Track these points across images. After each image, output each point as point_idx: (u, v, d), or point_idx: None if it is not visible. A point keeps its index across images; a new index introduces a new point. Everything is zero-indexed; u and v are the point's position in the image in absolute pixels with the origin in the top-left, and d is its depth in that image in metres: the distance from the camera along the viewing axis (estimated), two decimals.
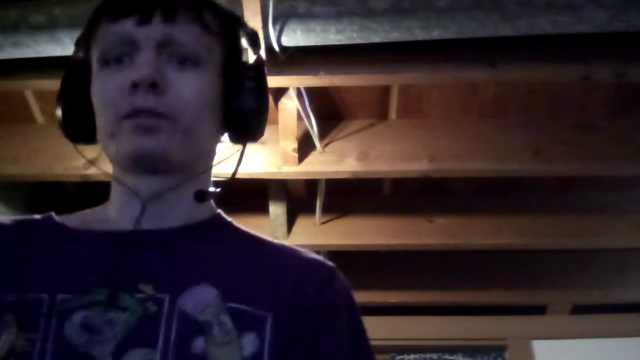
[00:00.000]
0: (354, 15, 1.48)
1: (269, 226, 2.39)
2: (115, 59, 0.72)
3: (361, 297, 0.77)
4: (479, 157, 2.04)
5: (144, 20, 0.72)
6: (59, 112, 0.76)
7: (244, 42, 0.83)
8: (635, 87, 1.96)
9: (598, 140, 2.04)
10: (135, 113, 0.69)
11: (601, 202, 2.42)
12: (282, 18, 1.50)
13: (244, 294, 0.69)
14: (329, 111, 2.12)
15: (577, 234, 2.40)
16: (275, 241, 0.80)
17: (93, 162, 0.87)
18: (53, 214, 0.77)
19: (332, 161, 2.08)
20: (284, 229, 2.44)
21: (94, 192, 1.05)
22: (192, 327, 0.65)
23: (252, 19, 1.45)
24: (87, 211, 0.79)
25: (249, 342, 0.66)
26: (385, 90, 2.06)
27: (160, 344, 0.63)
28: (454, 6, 1.45)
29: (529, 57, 1.69)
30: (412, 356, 2.64)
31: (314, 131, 2.01)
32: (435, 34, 1.51)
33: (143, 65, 0.70)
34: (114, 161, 0.75)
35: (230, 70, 0.78)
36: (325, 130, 2.10)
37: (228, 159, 0.84)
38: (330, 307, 0.72)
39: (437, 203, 2.46)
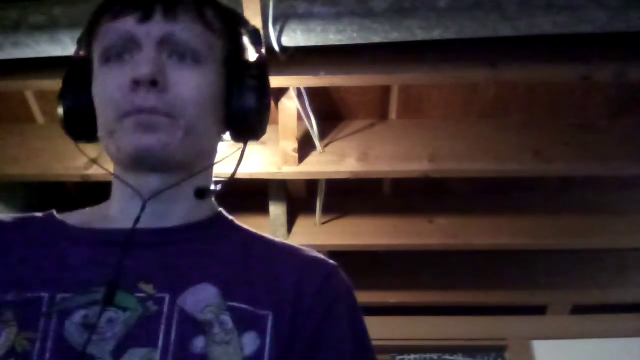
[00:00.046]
0: (354, 15, 1.48)
1: (269, 226, 2.39)
2: (116, 57, 0.72)
3: (361, 297, 0.77)
4: (479, 157, 2.04)
5: (145, 17, 0.72)
6: (60, 111, 0.76)
7: (245, 40, 0.83)
8: (635, 87, 1.96)
9: (598, 140, 2.04)
10: (135, 111, 0.69)
11: (601, 202, 2.42)
12: (282, 18, 1.50)
13: (244, 293, 0.69)
14: (329, 111, 2.12)
15: (577, 234, 2.40)
16: (277, 239, 0.80)
17: (94, 160, 0.87)
18: (54, 211, 0.77)
19: (332, 161, 2.08)
20: (284, 229, 2.44)
21: (94, 192, 1.05)
22: (192, 326, 0.65)
23: (252, 19, 1.45)
24: (88, 209, 0.79)
25: (250, 341, 0.66)
26: (385, 90, 2.06)
27: (160, 343, 0.63)
28: (454, 6, 1.45)
29: (529, 57, 1.69)
30: (412, 356, 2.64)
31: (314, 131, 2.01)
32: (435, 34, 1.51)
33: (143, 63, 0.70)
34: (115, 159, 0.75)
35: (232, 68, 0.78)
36: (325, 130, 2.10)
37: (228, 158, 0.83)
38: (331, 306, 0.72)
39: (437, 203, 2.46)
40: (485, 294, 2.83)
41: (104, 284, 0.66)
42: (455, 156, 2.04)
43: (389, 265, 2.81)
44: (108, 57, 0.72)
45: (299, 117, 1.95)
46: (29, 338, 0.63)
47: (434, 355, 2.64)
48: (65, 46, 1.56)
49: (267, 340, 0.66)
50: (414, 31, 1.50)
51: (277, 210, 2.39)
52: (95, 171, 2.05)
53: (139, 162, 0.71)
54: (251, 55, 0.82)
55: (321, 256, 0.78)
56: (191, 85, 0.72)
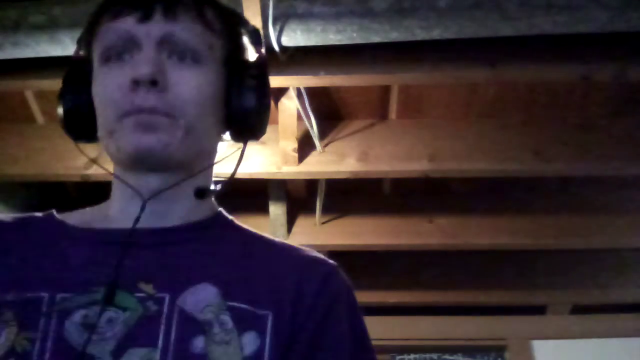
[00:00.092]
0: (354, 15, 1.48)
1: (269, 226, 2.40)
2: (116, 57, 0.72)
3: (361, 297, 0.77)
4: (479, 157, 2.04)
5: (145, 17, 0.72)
6: (60, 111, 0.76)
7: (245, 40, 0.83)
8: (635, 87, 1.96)
9: (598, 140, 2.04)
10: (135, 111, 0.69)
11: (601, 202, 2.42)
12: (282, 18, 1.50)
13: (244, 293, 0.69)
14: (329, 111, 2.12)
15: (577, 234, 2.40)
16: (277, 239, 0.80)
17: (94, 160, 0.87)
18: (54, 211, 0.77)
19: (332, 161, 2.08)
20: (284, 229, 2.44)
21: (94, 192, 1.05)
22: (192, 326, 0.65)
23: (252, 19, 1.45)
24: (88, 209, 0.79)
25: (250, 341, 0.66)
26: (385, 90, 2.06)
27: (160, 343, 0.63)
28: (454, 6, 1.45)
29: (529, 57, 1.69)
30: (412, 356, 2.64)
31: (314, 131, 2.01)
32: (435, 34, 1.51)
33: (143, 63, 0.69)
34: (115, 159, 0.75)
35: (232, 68, 0.78)
36: (325, 130, 2.10)
37: (228, 158, 0.83)
38: (330, 306, 0.72)
39: (437, 203, 2.46)
40: (485, 294, 2.83)
41: (104, 284, 0.66)
42: (455, 156, 2.04)
43: (389, 265, 2.81)
44: (108, 57, 0.72)
45: (299, 117, 1.95)
46: (29, 338, 0.63)
47: (434, 355, 2.64)
48: (65, 46, 1.56)
49: (267, 340, 0.66)
50: (414, 31, 1.50)
51: (277, 210, 2.39)
52: (95, 171, 2.05)
53: (139, 162, 0.71)
54: (251, 55, 0.82)
55: (321, 256, 0.78)
56: (191, 85, 0.72)
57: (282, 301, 0.69)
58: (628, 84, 1.92)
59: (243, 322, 0.66)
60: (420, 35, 1.51)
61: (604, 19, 1.43)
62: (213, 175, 0.81)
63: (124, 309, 0.65)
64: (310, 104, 1.91)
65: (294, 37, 1.53)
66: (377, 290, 2.78)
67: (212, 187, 0.80)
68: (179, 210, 0.75)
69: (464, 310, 2.85)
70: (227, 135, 0.81)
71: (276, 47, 1.54)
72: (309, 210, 2.45)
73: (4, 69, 1.73)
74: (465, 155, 2.04)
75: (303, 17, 1.50)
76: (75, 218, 0.76)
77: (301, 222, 2.50)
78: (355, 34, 1.52)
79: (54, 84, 1.74)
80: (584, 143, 2.03)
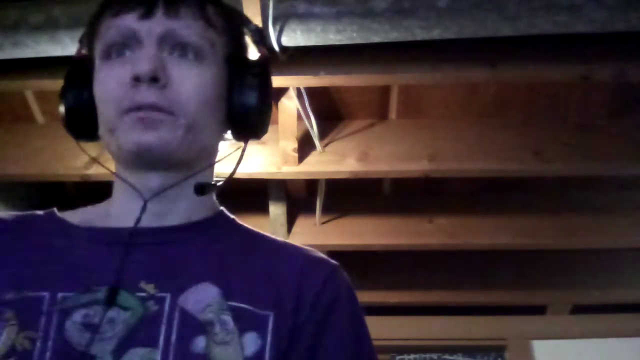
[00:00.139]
0: (354, 15, 1.48)
1: (269, 226, 2.39)
2: (117, 54, 0.72)
3: (361, 297, 0.77)
4: (479, 157, 2.04)
5: (147, 14, 0.72)
6: (61, 109, 0.76)
7: (247, 39, 0.83)
8: (635, 87, 1.96)
9: (598, 140, 2.04)
10: (136, 108, 0.69)
11: (601, 202, 2.42)
12: (282, 18, 1.50)
13: (245, 292, 0.68)
14: (329, 111, 2.12)
15: (577, 234, 2.40)
16: (278, 239, 0.80)
17: (95, 159, 0.87)
18: (55, 210, 0.77)
19: (332, 161, 2.08)
20: (284, 229, 2.44)
21: (94, 192, 1.04)
22: (193, 326, 0.65)
23: (252, 19, 1.44)
24: (89, 207, 0.79)
25: (251, 341, 0.66)
26: (385, 90, 2.06)
27: (161, 343, 0.63)
28: (454, 6, 1.45)
29: (529, 57, 1.69)
30: (412, 356, 2.63)
31: (314, 131, 2.01)
32: (435, 34, 1.51)
33: (144, 59, 0.69)
34: (116, 157, 0.75)
35: (234, 66, 0.78)
36: (325, 130, 2.09)
37: (228, 158, 0.83)
38: (331, 306, 0.72)
39: (437, 203, 2.46)
40: (485, 294, 2.83)
41: (105, 283, 0.66)
42: (455, 156, 2.04)
43: (389, 265, 2.81)
44: (109, 54, 0.72)
45: (299, 117, 1.95)
46: (30, 337, 0.63)
47: (434, 355, 2.63)
48: (65, 46, 1.56)
49: (268, 340, 0.66)
50: (414, 31, 1.50)
51: (277, 210, 2.39)
52: (95, 171, 2.05)
53: (140, 159, 0.71)
54: (253, 54, 0.82)
55: (323, 256, 0.77)
56: (192, 82, 0.72)
57: (283, 301, 0.69)
58: (628, 84, 1.92)
59: (244, 322, 0.66)
60: (420, 35, 1.51)
61: (604, 19, 1.43)
62: (214, 174, 0.81)
63: (125, 309, 0.65)
64: (310, 104, 1.91)
65: (294, 37, 1.53)
66: (377, 290, 2.78)
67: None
68: (180, 210, 0.75)
69: (463, 310, 2.85)
70: (228, 135, 0.81)
71: (276, 47, 1.54)
72: (309, 210, 2.45)
73: (4, 69, 1.73)
74: (465, 155, 2.04)
75: (303, 17, 1.50)
76: (76, 216, 0.76)
77: (301, 222, 2.50)
78: (355, 34, 1.52)
79: (54, 84, 1.75)
80: (584, 143, 2.03)
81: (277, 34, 1.51)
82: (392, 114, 2.13)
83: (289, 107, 1.90)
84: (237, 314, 0.66)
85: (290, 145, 2.01)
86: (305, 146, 2.07)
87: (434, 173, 2.07)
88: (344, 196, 2.47)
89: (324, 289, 0.72)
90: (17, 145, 2.15)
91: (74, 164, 2.07)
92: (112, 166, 0.78)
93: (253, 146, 2.00)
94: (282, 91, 1.84)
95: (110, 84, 0.71)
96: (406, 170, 2.06)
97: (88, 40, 0.78)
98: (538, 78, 1.84)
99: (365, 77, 1.76)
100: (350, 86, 2.00)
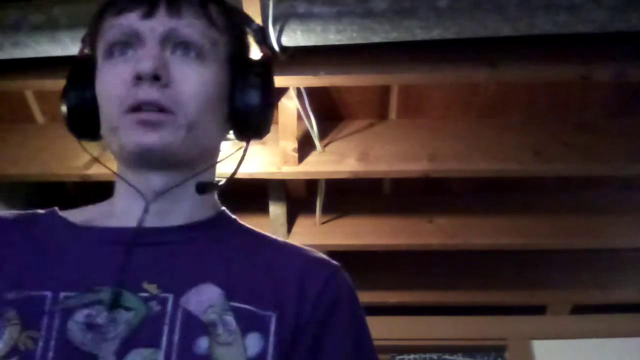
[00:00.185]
0: (354, 15, 1.48)
1: (269, 226, 2.39)
2: (119, 52, 0.72)
3: (361, 297, 0.77)
4: (479, 157, 2.04)
5: (149, 13, 0.72)
6: (63, 109, 0.76)
7: (249, 39, 0.83)
8: (635, 87, 1.96)
9: (598, 140, 2.04)
10: (138, 106, 0.69)
11: (601, 202, 2.42)
12: (282, 18, 1.50)
13: (248, 293, 0.68)
14: (329, 111, 2.12)
15: (577, 234, 2.41)
16: (280, 239, 0.80)
17: (97, 158, 0.87)
18: (56, 209, 0.77)
19: (332, 161, 2.08)
20: (284, 229, 2.44)
21: (94, 192, 1.04)
22: (196, 327, 0.65)
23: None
24: (90, 207, 0.79)
25: (253, 342, 0.65)
26: (385, 90, 2.06)
27: (163, 343, 0.63)
28: (454, 6, 1.45)
29: (529, 57, 1.69)
30: (412, 356, 2.64)
31: (314, 131, 2.01)
32: (435, 34, 1.51)
33: (146, 58, 0.69)
34: (118, 156, 0.74)
35: (236, 65, 0.78)
36: (325, 130, 2.10)
37: (229, 158, 0.83)
38: (332, 306, 0.72)
39: (437, 203, 2.46)
40: (485, 294, 2.83)
41: (108, 283, 0.66)
42: (455, 156, 2.04)
43: (389, 265, 2.81)
44: (112, 53, 0.72)
45: (299, 117, 1.95)
46: (33, 337, 0.63)
47: (434, 355, 2.63)
48: (65, 46, 1.56)
49: (271, 341, 0.66)
50: (414, 31, 1.50)
51: (277, 210, 2.39)
52: (95, 171, 2.05)
53: (141, 160, 0.71)
54: (255, 53, 0.82)
55: (324, 256, 0.77)
56: (194, 80, 0.72)
57: (285, 302, 0.69)
58: (628, 84, 1.92)
59: (246, 323, 0.66)
60: (420, 35, 1.51)
61: (604, 19, 1.43)
62: (216, 174, 0.81)
63: (128, 309, 0.65)
64: (310, 104, 1.91)
65: (294, 37, 1.53)
66: (377, 290, 2.78)
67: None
68: (182, 210, 0.75)
69: (464, 310, 2.85)
70: (230, 135, 0.81)
71: (276, 47, 1.54)
72: (309, 210, 2.45)
73: (4, 69, 1.73)
74: (465, 155, 2.04)
75: (303, 17, 1.50)
76: (78, 216, 0.75)
77: (301, 222, 2.50)
78: (355, 34, 1.52)
79: (54, 84, 1.75)
80: (584, 143, 2.03)
81: (277, 34, 1.51)
82: (392, 114, 2.13)
83: (289, 107, 1.90)
84: (239, 315, 0.66)
85: (290, 145, 2.01)
86: (305, 146, 2.07)
87: (434, 173, 2.07)
88: (344, 196, 2.47)
89: (325, 290, 0.72)
90: (17, 145, 2.15)
91: (74, 164, 2.08)
92: (113, 166, 0.78)
93: (253, 146, 1.99)
94: (282, 91, 1.84)
95: (112, 82, 0.71)
96: (406, 170, 2.07)
97: (90, 39, 0.78)
98: (538, 78, 1.84)
99: (365, 77, 1.76)
100: (350, 86, 2.01)
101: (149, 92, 0.69)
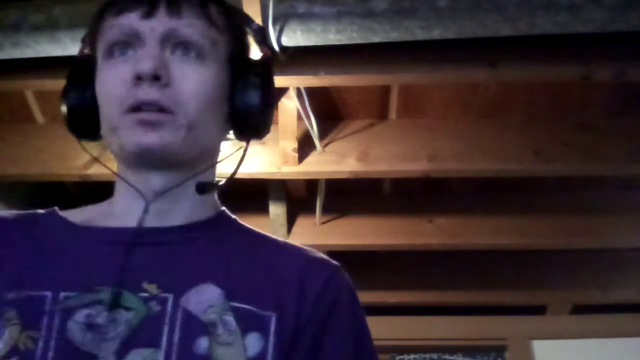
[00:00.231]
0: (354, 15, 1.48)
1: (269, 226, 2.39)
2: (119, 52, 0.72)
3: (361, 297, 0.77)
4: (479, 157, 2.04)
5: (149, 13, 0.72)
6: (64, 109, 0.76)
7: (249, 39, 0.83)
8: (635, 87, 1.96)
9: (598, 140, 2.04)
10: (138, 106, 0.69)
11: (601, 202, 2.42)
12: (282, 18, 1.50)
13: (248, 293, 0.68)
14: (329, 111, 2.12)
15: (577, 234, 2.40)
16: (280, 239, 0.80)
17: (97, 158, 0.87)
18: (56, 208, 0.77)
19: (332, 161, 2.08)
20: (284, 229, 2.44)
21: (94, 192, 1.05)
22: (196, 327, 0.65)
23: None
24: (90, 207, 0.79)
25: (253, 342, 0.66)
26: (385, 90, 2.06)
27: (163, 344, 0.63)
28: (454, 6, 1.45)
29: (529, 57, 1.69)
30: (412, 356, 2.64)
31: (314, 131, 2.01)
32: (435, 34, 1.51)
33: (146, 58, 0.69)
34: (118, 156, 0.74)
35: (236, 65, 0.78)
36: (325, 130, 2.10)
37: (229, 158, 0.83)
38: (333, 306, 0.72)
39: (437, 203, 2.46)
40: (485, 294, 2.83)
41: (108, 283, 0.66)
42: (455, 156, 2.04)
43: (389, 265, 2.81)
44: (112, 53, 0.73)
45: (299, 117, 1.95)
46: (32, 337, 0.63)
47: (434, 355, 2.63)
48: (65, 46, 1.56)
49: (271, 341, 0.66)
50: (414, 31, 1.50)
51: (277, 210, 2.39)
52: (95, 171, 2.05)
53: (141, 160, 0.71)
54: (255, 54, 0.82)
55: (325, 257, 0.77)
56: (194, 80, 0.72)
57: (285, 302, 0.69)
58: (628, 84, 1.92)
59: (246, 323, 0.66)
60: (420, 35, 1.51)
61: (604, 19, 1.43)
62: (216, 174, 0.81)
63: (128, 309, 0.65)
64: (310, 104, 1.91)
65: (294, 37, 1.53)
66: (377, 290, 2.78)
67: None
68: (182, 210, 0.75)
69: (464, 310, 2.85)
70: (230, 135, 0.81)
71: (276, 47, 1.54)
72: (309, 210, 2.45)
73: (4, 69, 1.73)
74: (465, 155, 2.04)
75: (303, 17, 1.50)
76: (78, 216, 0.75)
77: (301, 222, 2.50)
78: (355, 34, 1.52)
79: (54, 84, 1.75)
80: (584, 143, 2.03)
81: (277, 34, 1.51)
82: (392, 114, 2.13)
83: (289, 107, 1.90)
84: (239, 315, 0.66)
85: (290, 145, 2.01)
86: (305, 146, 2.07)
87: (434, 173, 2.07)
88: (344, 196, 2.47)
89: (325, 290, 0.72)
90: (17, 145, 2.15)
91: (74, 164, 2.08)
92: (113, 166, 0.78)
93: (253, 146, 1.99)
94: (282, 91, 1.84)
95: (112, 82, 0.71)
96: (406, 170, 2.07)
97: (90, 39, 0.78)
98: (538, 78, 1.84)
99: (365, 77, 1.76)
100: (350, 86, 2.01)
101: (149, 92, 0.69)
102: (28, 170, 2.12)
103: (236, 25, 0.80)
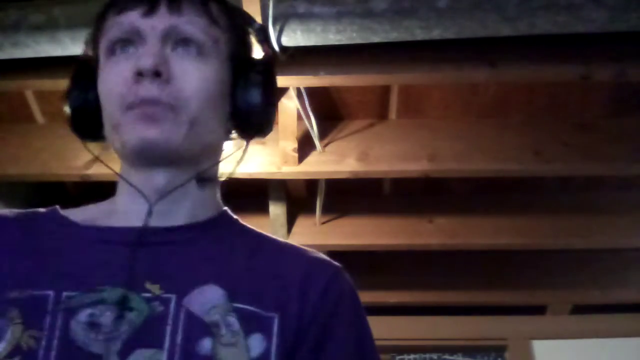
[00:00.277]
0: (354, 15, 1.48)
1: (269, 226, 2.39)
2: (121, 50, 0.72)
3: (361, 297, 0.77)
4: (479, 157, 2.04)
5: (150, 11, 0.72)
6: (67, 109, 0.76)
7: (251, 38, 0.83)
8: (635, 87, 1.96)
9: (598, 140, 2.04)
10: (139, 103, 0.69)
11: (601, 202, 2.42)
12: (282, 18, 1.50)
13: (250, 294, 0.68)
14: (329, 111, 2.12)
15: (577, 234, 2.40)
16: (280, 240, 0.80)
17: (99, 158, 0.87)
18: (58, 207, 0.77)
19: (332, 161, 2.08)
20: (284, 229, 2.44)
21: (94, 192, 1.05)
22: (199, 327, 0.65)
23: None
24: (92, 206, 0.79)
25: (256, 343, 0.65)
26: (385, 90, 2.06)
27: (166, 344, 0.63)
28: (454, 6, 1.45)
29: (529, 57, 1.69)
30: (412, 356, 2.64)
31: (314, 131, 2.01)
32: (435, 34, 1.51)
33: (147, 55, 0.70)
34: (121, 154, 0.74)
35: (238, 63, 0.78)
36: (325, 130, 2.10)
37: (230, 158, 0.83)
38: (334, 307, 0.72)
39: (437, 203, 2.46)
40: (485, 294, 2.83)
41: (110, 283, 0.66)
42: (455, 156, 2.04)
43: (389, 265, 2.81)
44: (113, 51, 0.73)
45: (299, 117, 1.95)
46: (35, 336, 0.63)
47: (434, 355, 2.64)
48: (65, 46, 1.56)
49: (274, 342, 0.66)
50: (414, 31, 1.50)
51: (277, 210, 2.39)
52: (95, 171, 2.05)
53: (143, 155, 0.71)
54: (257, 53, 0.82)
55: (326, 257, 0.77)
56: (195, 77, 0.72)
57: (287, 303, 0.69)
58: (628, 84, 1.92)
59: (249, 324, 0.66)
60: (420, 35, 1.51)
61: (604, 19, 1.43)
62: (218, 173, 0.81)
63: (131, 309, 0.65)
64: (310, 104, 1.91)
65: (294, 37, 1.53)
66: (377, 290, 2.78)
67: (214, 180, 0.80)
68: (184, 210, 0.75)
69: (464, 310, 2.85)
70: (233, 134, 0.81)
71: (276, 47, 1.54)
72: (309, 210, 2.45)
73: (4, 69, 1.73)
74: (465, 155, 2.04)
75: (303, 17, 1.50)
76: (79, 215, 0.75)
77: (301, 222, 2.50)
78: (355, 34, 1.52)
79: (54, 84, 1.75)
80: (584, 143, 2.03)
81: (277, 34, 1.51)
82: (392, 114, 2.13)
83: (289, 107, 1.90)
84: (242, 316, 0.66)
85: (290, 145, 2.01)
86: (305, 146, 2.07)
87: (434, 173, 2.07)
88: (344, 196, 2.47)
89: (327, 291, 0.72)
90: (17, 145, 2.15)
91: (74, 164, 2.08)
92: (114, 165, 0.78)
93: (253, 146, 1.99)
94: (282, 91, 1.84)
95: (113, 80, 0.71)
96: (406, 170, 2.07)
97: (93, 39, 0.78)
98: (538, 78, 1.84)
99: (365, 77, 1.76)
100: (350, 86, 2.01)
101: (149, 89, 0.69)
102: (28, 170, 2.12)
103: (237, 24, 0.80)
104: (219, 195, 0.81)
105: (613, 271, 2.77)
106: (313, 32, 1.52)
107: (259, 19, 1.47)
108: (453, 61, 1.71)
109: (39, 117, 2.21)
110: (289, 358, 0.66)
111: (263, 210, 2.39)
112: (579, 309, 2.88)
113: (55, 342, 0.62)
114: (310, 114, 1.94)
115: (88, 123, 0.76)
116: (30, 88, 2.02)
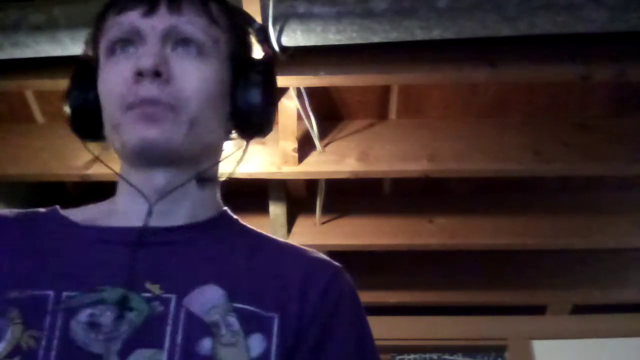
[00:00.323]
0: (354, 15, 1.48)
1: (269, 226, 2.39)
2: (121, 50, 0.72)
3: (361, 297, 0.77)
4: (479, 157, 2.04)
5: (150, 11, 0.72)
6: (67, 109, 0.76)
7: (251, 38, 0.83)
8: (635, 87, 1.96)
9: (598, 140, 2.04)
10: (139, 103, 0.69)
11: (601, 202, 2.42)
12: (282, 18, 1.50)
13: (250, 294, 0.68)
14: (329, 111, 2.12)
15: (577, 234, 2.40)
16: (281, 240, 0.80)
17: (99, 157, 0.87)
18: (58, 207, 0.77)
19: (332, 161, 2.08)
20: (284, 229, 2.44)
21: (94, 192, 1.05)
22: (199, 327, 0.65)
23: None
24: (92, 206, 0.79)
25: (256, 343, 0.65)
26: (385, 90, 2.06)
27: (166, 344, 0.63)
28: (454, 6, 1.45)
29: (529, 57, 1.69)
30: (412, 356, 2.64)
31: (314, 131, 2.01)
32: (435, 34, 1.51)
33: (147, 55, 0.70)
34: (121, 154, 0.74)
35: (238, 63, 0.78)
36: (325, 130, 2.10)
37: (230, 158, 0.83)
38: (335, 307, 0.72)
39: (437, 203, 2.46)
40: (485, 294, 2.83)
41: (110, 283, 0.66)
42: (455, 156, 2.04)
43: (389, 265, 2.81)
44: (113, 51, 0.73)
45: (299, 117, 1.95)
46: (35, 336, 0.63)
47: (434, 355, 2.64)
48: (65, 46, 1.56)
49: (274, 342, 0.66)
50: (414, 31, 1.50)
51: (277, 210, 2.39)
52: (95, 171, 2.05)
53: (143, 155, 0.71)
54: (257, 53, 0.82)
55: (326, 258, 0.77)
56: (195, 77, 0.72)
57: (287, 303, 0.69)
58: (628, 84, 1.92)
59: (249, 324, 0.66)
60: (420, 35, 1.51)
61: (604, 19, 1.43)
62: (218, 173, 0.81)
63: (131, 309, 0.65)
64: (310, 104, 1.91)
65: (294, 37, 1.53)
66: (377, 290, 2.78)
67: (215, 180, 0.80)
68: (184, 210, 0.75)
69: (464, 310, 2.85)
70: (233, 134, 0.81)
71: (276, 47, 1.54)
72: (309, 210, 2.45)
73: (4, 69, 1.73)
74: (465, 155, 2.04)
75: (303, 17, 1.50)
76: (79, 215, 0.75)
77: (301, 222, 2.50)
78: (355, 34, 1.52)
79: (54, 84, 1.75)
80: (584, 143, 2.03)
81: (277, 34, 1.51)
82: (392, 114, 2.13)
83: (289, 107, 1.90)
84: (242, 316, 0.66)
85: (290, 145, 2.01)
86: (305, 146, 2.07)
87: (434, 173, 2.07)
88: (344, 196, 2.47)
89: (327, 291, 0.72)
90: (17, 145, 2.15)
91: (74, 164, 2.08)
92: (114, 165, 0.78)
93: (253, 146, 1.99)
94: (282, 91, 1.84)
95: (113, 80, 0.71)
96: (406, 170, 2.07)
97: (93, 39, 0.78)
98: (538, 78, 1.84)
99: (365, 77, 1.76)
100: (350, 86, 2.01)
101: (149, 89, 0.69)
102: (28, 170, 2.12)
103: (237, 24, 0.80)
104: (219, 195, 0.81)
105: (613, 271, 2.77)
106: (313, 32, 1.52)
107: (259, 19, 1.47)
108: (453, 61, 1.71)
109: (39, 117, 2.21)
110: (289, 358, 0.66)
111: (263, 210, 2.39)
112: (579, 309, 2.88)
113: (55, 342, 0.62)
114: (310, 114, 1.94)
115: (88, 123, 0.76)
116: (30, 88, 2.02)
